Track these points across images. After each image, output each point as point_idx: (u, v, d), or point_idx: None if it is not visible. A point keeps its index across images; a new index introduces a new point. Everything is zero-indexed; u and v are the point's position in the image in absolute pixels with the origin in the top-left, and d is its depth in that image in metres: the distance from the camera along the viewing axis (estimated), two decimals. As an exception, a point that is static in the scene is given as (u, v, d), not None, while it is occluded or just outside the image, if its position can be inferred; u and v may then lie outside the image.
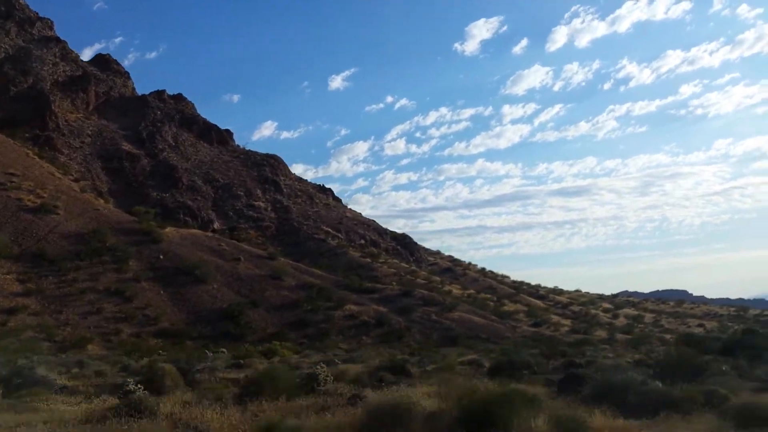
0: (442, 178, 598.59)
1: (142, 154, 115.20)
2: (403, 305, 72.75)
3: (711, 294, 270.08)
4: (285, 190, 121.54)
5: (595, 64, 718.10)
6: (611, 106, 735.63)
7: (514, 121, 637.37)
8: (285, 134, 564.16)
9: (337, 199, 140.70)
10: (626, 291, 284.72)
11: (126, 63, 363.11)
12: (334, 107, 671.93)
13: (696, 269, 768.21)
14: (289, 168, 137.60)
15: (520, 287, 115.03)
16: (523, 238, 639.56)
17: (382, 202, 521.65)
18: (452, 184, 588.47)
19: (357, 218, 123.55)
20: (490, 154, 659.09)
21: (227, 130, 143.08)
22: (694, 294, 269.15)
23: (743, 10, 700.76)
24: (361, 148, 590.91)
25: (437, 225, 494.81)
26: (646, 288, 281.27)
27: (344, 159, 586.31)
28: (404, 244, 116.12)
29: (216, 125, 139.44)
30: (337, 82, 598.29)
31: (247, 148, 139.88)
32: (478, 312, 74.87)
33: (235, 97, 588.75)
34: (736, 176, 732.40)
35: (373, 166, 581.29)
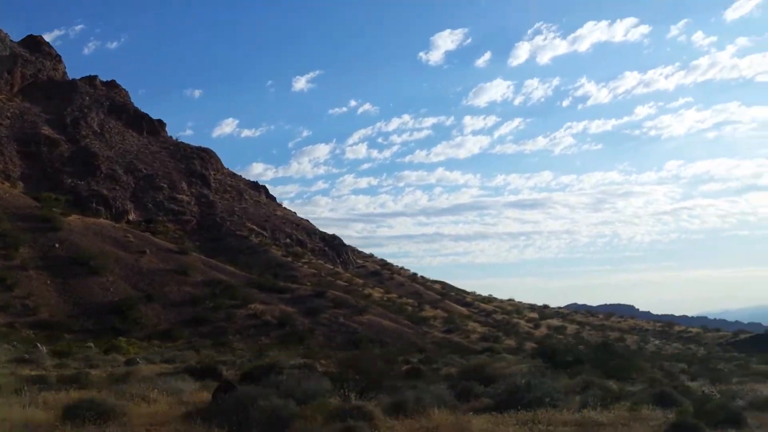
0: (401, 184, 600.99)
1: (62, 140, 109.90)
2: (314, 306, 70.33)
3: (657, 310, 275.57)
4: (213, 184, 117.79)
5: (555, 81, 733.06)
6: (569, 123, 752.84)
7: (474, 132, 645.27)
8: (246, 132, 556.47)
9: (271, 197, 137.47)
10: (575, 303, 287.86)
11: (86, 51, 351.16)
12: (298, 108, 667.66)
13: (644, 285, 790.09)
14: (222, 163, 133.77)
15: (447, 294, 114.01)
16: (479, 248, 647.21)
17: (342, 205, 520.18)
18: (412, 190, 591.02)
19: (287, 217, 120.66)
20: (450, 164, 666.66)
21: (159, 121, 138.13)
22: (641, 309, 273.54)
23: (698, 37, 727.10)
24: (322, 150, 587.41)
25: (395, 231, 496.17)
26: (595, 301, 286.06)
27: (305, 160, 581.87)
28: (332, 245, 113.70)
29: (147, 114, 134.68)
30: (301, 83, 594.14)
31: (179, 140, 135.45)
32: (390, 316, 73.03)
33: (197, 92, 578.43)
34: (686, 197, 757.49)
35: (334, 169, 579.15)
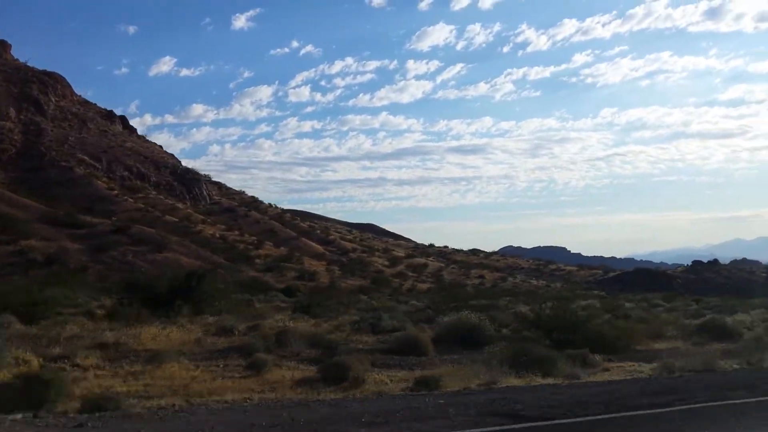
0: (345, 128, 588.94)
1: None
2: (107, 242, 62.18)
3: (587, 252, 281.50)
4: (52, 111, 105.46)
5: (497, 27, 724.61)
6: (509, 70, 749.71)
7: (417, 77, 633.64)
8: (185, 71, 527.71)
9: (130, 129, 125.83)
10: (510, 246, 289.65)
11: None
12: (238, 48, 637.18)
13: (577, 228, 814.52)
14: (72, 89, 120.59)
15: (312, 231, 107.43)
16: (421, 192, 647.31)
17: (286, 149, 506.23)
18: (355, 135, 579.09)
19: (137, 149, 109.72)
20: (394, 108, 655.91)
21: (2, 41, 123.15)
22: (572, 251, 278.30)
23: None
24: (264, 92, 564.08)
25: (339, 175, 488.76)
26: (529, 244, 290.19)
27: (247, 103, 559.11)
28: (184, 180, 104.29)
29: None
30: (241, 22, 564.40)
31: (27, 63, 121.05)
32: (199, 253, 65.61)
33: (131, 29, 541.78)
34: (619, 144, 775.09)
35: (277, 112, 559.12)
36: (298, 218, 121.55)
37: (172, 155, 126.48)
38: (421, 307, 32.83)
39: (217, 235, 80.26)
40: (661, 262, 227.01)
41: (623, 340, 16.62)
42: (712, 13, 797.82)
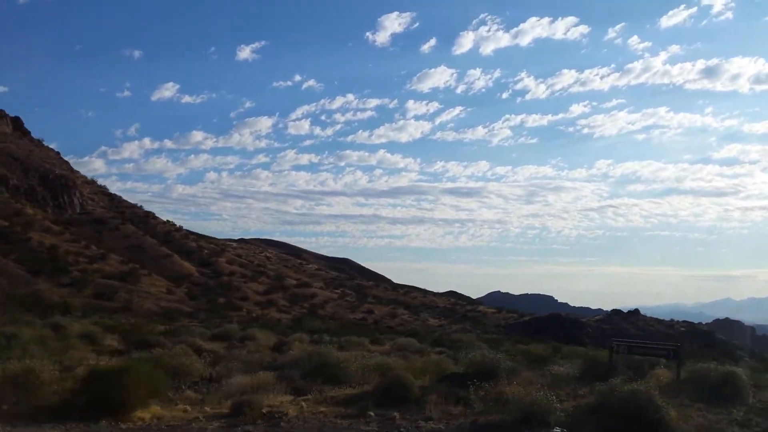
0: (343, 163, 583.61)
1: None
2: None
3: (574, 302, 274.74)
4: None
5: (497, 73, 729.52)
6: (507, 115, 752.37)
7: (417, 117, 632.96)
8: (187, 98, 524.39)
9: (23, 131, 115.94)
10: (498, 292, 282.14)
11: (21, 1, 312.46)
12: (241, 78, 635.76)
13: (567, 278, 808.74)
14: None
15: (197, 252, 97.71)
16: (414, 232, 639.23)
17: (282, 180, 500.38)
18: (352, 170, 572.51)
19: (9, 150, 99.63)
20: (392, 146, 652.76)
21: None
22: (559, 300, 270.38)
23: (634, 41, 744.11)
24: (264, 123, 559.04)
25: (334, 210, 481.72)
26: (518, 291, 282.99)
27: (246, 132, 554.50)
28: (53, 186, 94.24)
29: None
30: (245, 53, 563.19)
31: None
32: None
33: (137, 53, 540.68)
34: (613, 196, 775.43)
35: (276, 143, 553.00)
36: (194, 237, 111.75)
37: (66, 163, 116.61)
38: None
39: (47, 245, 70.04)
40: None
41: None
42: (709, 72, 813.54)
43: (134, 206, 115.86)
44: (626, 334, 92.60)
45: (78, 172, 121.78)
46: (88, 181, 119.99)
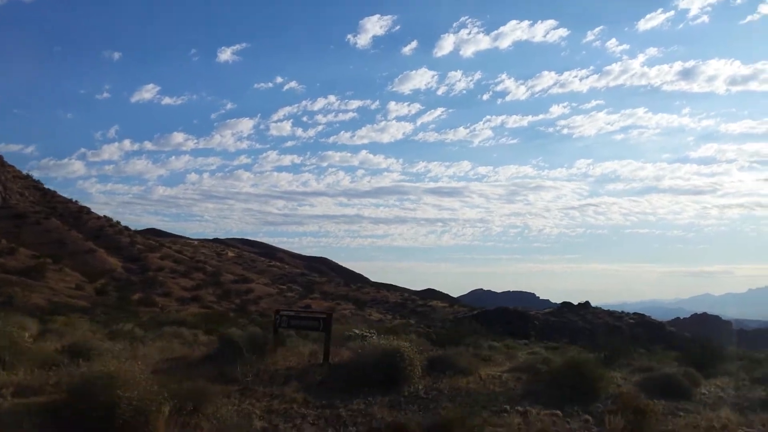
0: (325, 164, 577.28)
1: None
2: None
3: (556, 299, 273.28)
4: None
5: (477, 75, 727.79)
6: (488, 116, 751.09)
7: (398, 118, 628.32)
8: (167, 100, 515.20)
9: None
10: (480, 289, 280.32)
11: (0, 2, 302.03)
12: (222, 80, 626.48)
13: (548, 275, 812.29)
14: None
15: (128, 247, 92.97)
16: (397, 231, 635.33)
17: (264, 181, 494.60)
18: (335, 171, 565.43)
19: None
20: (374, 147, 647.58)
21: None
22: (541, 297, 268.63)
23: (612, 44, 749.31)
24: (246, 124, 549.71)
25: (317, 210, 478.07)
26: (499, 288, 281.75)
27: (228, 134, 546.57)
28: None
29: None
30: (226, 55, 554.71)
31: None
32: None
33: (117, 55, 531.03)
34: (593, 194, 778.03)
35: (257, 144, 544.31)
36: (130, 233, 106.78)
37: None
38: None
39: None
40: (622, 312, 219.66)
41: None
42: (686, 74, 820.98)
43: (68, 201, 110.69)
44: (573, 327, 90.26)
45: (12, 166, 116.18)
46: (21, 176, 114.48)
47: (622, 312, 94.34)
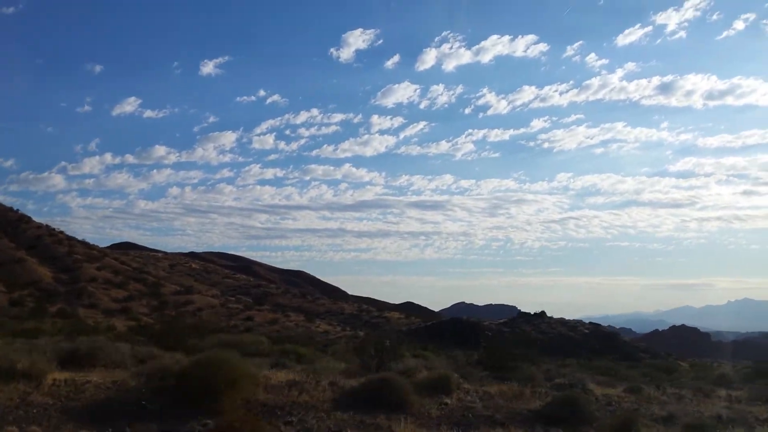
0: (308, 177, 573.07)
1: None
2: None
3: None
4: None
5: (459, 89, 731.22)
6: (470, 130, 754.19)
7: (381, 132, 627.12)
8: (149, 113, 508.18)
9: None
10: (463, 303, 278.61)
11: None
12: (204, 93, 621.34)
13: (531, 289, 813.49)
14: None
15: (64, 257, 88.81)
16: (381, 245, 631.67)
17: (247, 194, 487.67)
18: (318, 185, 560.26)
19: None
20: (357, 160, 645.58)
21: None
22: (523, 310, 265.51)
23: (591, 58, 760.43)
24: (228, 138, 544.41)
25: (300, 224, 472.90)
26: (482, 302, 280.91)
27: (210, 147, 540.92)
28: None
29: None
30: (209, 68, 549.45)
31: None
32: None
33: (98, 68, 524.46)
34: (573, 208, 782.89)
35: (240, 157, 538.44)
36: (70, 243, 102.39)
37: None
38: None
39: None
40: (609, 326, 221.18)
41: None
42: (664, 89, 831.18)
43: (9, 210, 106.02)
44: (526, 337, 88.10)
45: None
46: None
47: (578, 322, 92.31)
